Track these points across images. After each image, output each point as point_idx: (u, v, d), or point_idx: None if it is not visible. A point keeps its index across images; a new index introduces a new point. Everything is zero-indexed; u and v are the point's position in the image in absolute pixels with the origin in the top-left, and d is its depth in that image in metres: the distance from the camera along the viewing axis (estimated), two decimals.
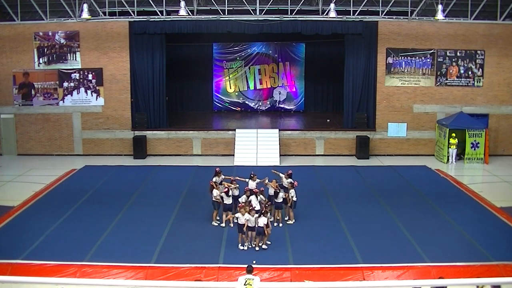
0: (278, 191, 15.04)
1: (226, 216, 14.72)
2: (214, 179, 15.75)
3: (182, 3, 20.96)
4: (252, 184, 15.55)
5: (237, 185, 15.49)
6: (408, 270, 12.27)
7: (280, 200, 15.03)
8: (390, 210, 16.46)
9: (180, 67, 29.34)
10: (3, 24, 23.61)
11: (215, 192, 15.01)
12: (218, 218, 15.18)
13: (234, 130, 24.80)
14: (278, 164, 22.41)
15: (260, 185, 15.77)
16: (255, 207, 13.97)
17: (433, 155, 24.64)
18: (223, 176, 16.12)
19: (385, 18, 23.41)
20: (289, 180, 15.80)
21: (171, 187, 19.04)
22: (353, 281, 11.67)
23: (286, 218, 15.33)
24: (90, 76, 24.51)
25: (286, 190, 15.54)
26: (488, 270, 12.16)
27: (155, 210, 16.43)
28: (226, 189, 14.91)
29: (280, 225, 15.05)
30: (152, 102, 24.86)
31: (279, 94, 30.69)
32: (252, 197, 14.72)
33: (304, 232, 14.65)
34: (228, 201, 14.89)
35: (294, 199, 15.19)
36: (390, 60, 24.45)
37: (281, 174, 16.31)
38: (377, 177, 20.83)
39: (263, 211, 13.63)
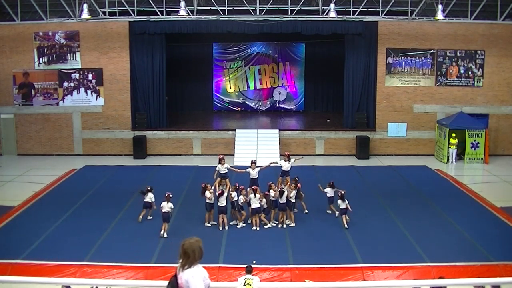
0: (283, 190, 15.01)
1: (222, 219, 14.75)
2: (217, 167, 16.12)
3: (182, 3, 20.96)
4: (253, 173, 16.22)
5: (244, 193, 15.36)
6: (408, 270, 12.27)
7: (284, 201, 14.96)
8: (390, 210, 16.46)
9: (180, 67, 29.32)
10: (3, 24, 23.60)
11: (208, 194, 14.96)
12: (215, 222, 15.13)
13: (234, 130, 24.81)
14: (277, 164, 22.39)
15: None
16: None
17: (433, 155, 24.64)
18: (227, 165, 16.36)
19: (385, 18, 23.41)
20: (291, 161, 16.46)
21: (171, 187, 18.92)
22: (353, 281, 11.66)
23: (288, 221, 15.28)
24: (90, 76, 24.51)
25: (287, 174, 15.67)
26: (488, 270, 12.15)
27: (155, 210, 16.39)
28: (220, 192, 14.85)
29: (284, 226, 15.01)
30: (152, 102, 24.87)
31: (279, 94, 30.70)
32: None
33: (304, 232, 14.64)
34: (222, 203, 14.82)
35: (293, 200, 15.11)
36: (390, 60, 24.45)
37: (279, 162, 16.42)
38: (377, 177, 20.83)
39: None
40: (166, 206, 14.36)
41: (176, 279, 6.18)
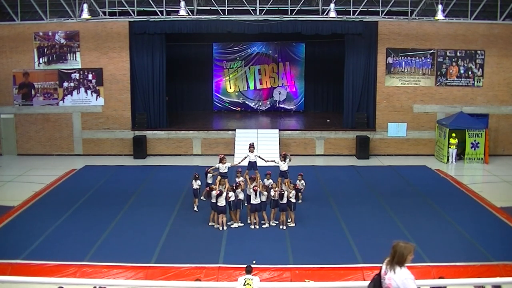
0: (282, 192, 14.97)
1: (221, 219, 14.75)
2: (217, 166, 16.71)
3: (182, 3, 20.95)
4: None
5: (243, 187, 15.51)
6: None
7: (284, 201, 14.91)
8: (390, 210, 16.46)
9: (180, 67, 29.30)
10: (3, 24, 23.59)
11: (215, 193, 14.99)
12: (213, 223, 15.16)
13: (234, 130, 24.80)
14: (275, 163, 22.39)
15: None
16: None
17: (433, 155, 24.64)
18: (228, 164, 16.73)
19: (385, 18, 23.41)
20: (286, 161, 16.53)
21: (171, 187, 19.03)
22: (353, 281, 11.65)
23: (289, 220, 15.28)
24: (90, 76, 24.50)
25: (285, 175, 15.63)
26: (488, 270, 12.15)
27: (155, 210, 16.43)
28: (219, 192, 14.86)
29: (285, 227, 14.97)
30: (152, 102, 24.87)
31: (279, 94, 30.70)
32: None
33: (304, 232, 14.64)
34: (221, 203, 14.80)
35: (293, 200, 15.09)
36: (390, 60, 24.45)
37: (276, 161, 16.45)
38: (377, 177, 20.83)
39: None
40: (195, 184, 16.34)
41: (379, 278, 6.11)
